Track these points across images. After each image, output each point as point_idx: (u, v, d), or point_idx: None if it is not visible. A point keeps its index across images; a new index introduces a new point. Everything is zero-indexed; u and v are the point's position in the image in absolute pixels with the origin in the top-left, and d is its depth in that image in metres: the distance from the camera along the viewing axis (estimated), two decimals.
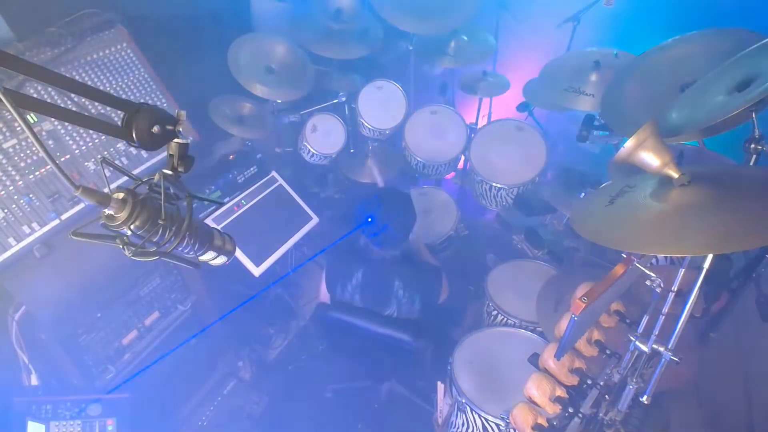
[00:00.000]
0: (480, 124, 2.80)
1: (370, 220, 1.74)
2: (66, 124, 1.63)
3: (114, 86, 1.79)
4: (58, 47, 1.66)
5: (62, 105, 1.56)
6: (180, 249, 0.79)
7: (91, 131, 1.56)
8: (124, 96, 1.80)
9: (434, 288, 1.84)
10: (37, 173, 1.55)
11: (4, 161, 1.49)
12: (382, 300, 1.81)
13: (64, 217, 1.58)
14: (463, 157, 2.82)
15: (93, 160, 1.68)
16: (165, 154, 0.81)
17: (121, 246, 0.74)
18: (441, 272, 1.87)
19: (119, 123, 0.76)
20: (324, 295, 1.96)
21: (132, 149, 1.79)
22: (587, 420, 1.24)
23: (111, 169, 0.80)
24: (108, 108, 0.95)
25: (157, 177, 0.77)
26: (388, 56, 2.99)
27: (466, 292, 2.53)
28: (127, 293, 1.88)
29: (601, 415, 1.27)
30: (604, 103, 1.86)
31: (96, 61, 1.76)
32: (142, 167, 1.80)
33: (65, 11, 1.72)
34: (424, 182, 2.95)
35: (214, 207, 2.07)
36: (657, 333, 1.13)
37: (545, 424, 1.21)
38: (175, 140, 0.80)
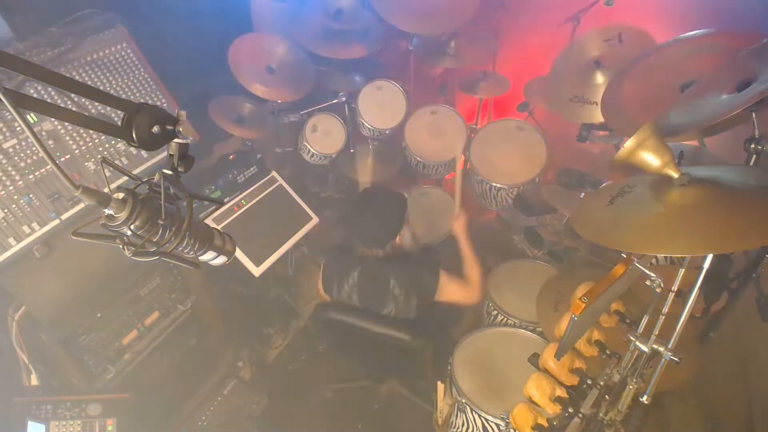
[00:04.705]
0: (480, 124, 2.80)
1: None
2: (66, 124, 1.63)
3: (114, 86, 1.79)
4: (58, 47, 1.66)
5: (62, 105, 1.56)
6: (180, 249, 0.79)
7: (91, 131, 1.56)
8: (124, 96, 1.80)
9: (430, 285, 1.83)
10: (37, 173, 1.55)
11: (4, 161, 1.49)
12: (379, 299, 1.81)
13: (64, 217, 1.57)
14: (463, 157, 2.82)
15: (93, 160, 1.68)
16: (165, 154, 0.81)
17: (121, 246, 0.74)
18: (438, 270, 1.85)
19: (119, 123, 0.76)
20: (322, 296, 1.96)
21: (132, 149, 1.79)
22: (587, 420, 1.24)
23: (111, 169, 0.80)
24: (108, 108, 0.94)
25: (157, 177, 0.77)
26: (388, 56, 3.00)
27: None
28: (127, 293, 1.88)
29: (601, 415, 1.27)
30: (604, 103, 1.86)
31: (96, 61, 1.76)
32: (142, 167, 1.79)
33: (65, 11, 1.72)
34: (424, 182, 2.95)
35: (214, 207, 2.07)
36: (657, 333, 1.13)
37: (545, 424, 1.21)
38: (175, 140, 0.80)
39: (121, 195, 0.71)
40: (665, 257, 1.71)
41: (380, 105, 2.64)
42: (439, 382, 1.86)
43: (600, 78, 2.14)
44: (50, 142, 1.60)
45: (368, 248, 1.80)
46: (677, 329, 1.08)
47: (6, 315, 1.58)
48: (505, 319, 2.04)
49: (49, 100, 1.54)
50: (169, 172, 0.80)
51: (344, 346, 2.14)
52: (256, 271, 2.06)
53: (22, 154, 1.53)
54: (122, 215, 0.70)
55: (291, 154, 2.75)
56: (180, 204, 0.79)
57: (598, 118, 2.07)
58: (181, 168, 0.81)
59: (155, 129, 0.76)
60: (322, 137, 2.59)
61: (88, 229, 0.74)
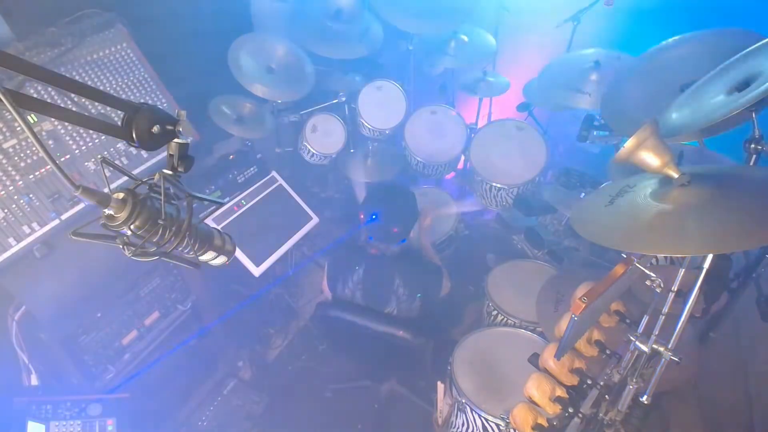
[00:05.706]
0: (480, 124, 2.81)
1: (374, 216, 1.74)
2: (66, 124, 1.63)
3: (114, 86, 1.79)
4: (58, 47, 1.66)
5: (62, 105, 1.56)
6: (180, 249, 0.79)
7: (91, 131, 1.56)
8: (124, 96, 1.80)
9: (434, 286, 1.84)
10: (37, 173, 1.55)
11: (4, 161, 1.49)
12: (383, 297, 1.81)
13: (64, 217, 1.57)
14: (463, 157, 2.82)
15: (93, 160, 1.68)
16: (165, 154, 0.81)
17: (121, 246, 0.74)
18: (442, 270, 1.87)
19: (119, 123, 0.76)
20: (327, 293, 1.97)
21: (132, 149, 1.79)
22: (587, 420, 1.24)
23: (111, 169, 0.80)
24: (108, 108, 0.94)
25: (157, 177, 0.77)
26: (388, 56, 2.99)
27: (466, 292, 2.53)
28: (127, 293, 1.88)
29: (601, 415, 1.27)
30: (604, 103, 1.86)
31: (96, 61, 1.76)
32: (142, 167, 1.79)
33: (65, 11, 1.72)
34: (424, 182, 2.95)
35: (214, 207, 2.07)
36: (657, 333, 1.13)
37: (545, 424, 1.21)
38: (175, 140, 0.80)
39: (121, 195, 0.71)
40: (665, 257, 1.71)
41: (380, 105, 2.64)
42: (439, 382, 1.86)
43: (595, 76, 2.15)
44: (50, 142, 1.60)
45: (383, 245, 1.80)
46: (677, 329, 1.08)
47: (6, 315, 1.58)
48: (505, 319, 2.04)
49: (49, 100, 1.54)
50: (169, 172, 0.80)
51: (345, 346, 2.14)
52: (256, 271, 2.06)
53: (22, 154, 1.53)
54: (122, 215, 0.70)
55: (291, 154, 2.74)
56: (180, 204, 0.79)
57: (591, 105, 2.11)
58: (181, 168, 0.81)
59: (155, 129, 0.76)
60: (322, 137, 2.59)
61: (88, 229, 0.74)
